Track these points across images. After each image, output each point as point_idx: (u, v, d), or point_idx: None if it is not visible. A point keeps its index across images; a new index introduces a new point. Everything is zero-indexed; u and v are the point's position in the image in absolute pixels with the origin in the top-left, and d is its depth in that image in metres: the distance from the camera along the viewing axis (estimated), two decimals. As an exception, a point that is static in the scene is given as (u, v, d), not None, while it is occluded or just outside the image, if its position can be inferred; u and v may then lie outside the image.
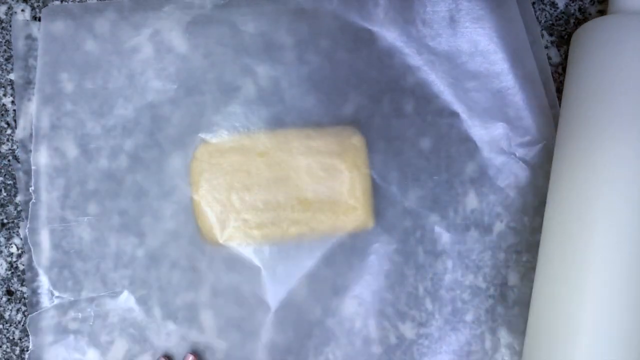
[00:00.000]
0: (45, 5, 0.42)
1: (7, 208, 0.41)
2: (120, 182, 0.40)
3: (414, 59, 0.41)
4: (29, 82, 0.41)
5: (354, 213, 0.40)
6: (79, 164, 0.40)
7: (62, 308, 0.40)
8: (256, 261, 0.40)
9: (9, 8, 0.42)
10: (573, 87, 0.37)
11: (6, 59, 0.42)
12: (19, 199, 0.41)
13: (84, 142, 0.40)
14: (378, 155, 0.41)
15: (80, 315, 0.40)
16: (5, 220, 0.41)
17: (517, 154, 0.41)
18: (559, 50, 0.42)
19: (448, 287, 0.41)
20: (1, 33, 0.42)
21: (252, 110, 0.41)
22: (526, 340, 0.37)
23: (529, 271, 0.41)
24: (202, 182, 0.40)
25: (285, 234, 0.40)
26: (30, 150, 0.40)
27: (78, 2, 0.42)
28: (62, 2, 0.42)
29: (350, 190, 0.40)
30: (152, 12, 0.41)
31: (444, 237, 0.41)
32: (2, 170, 0.41)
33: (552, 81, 0.41)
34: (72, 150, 0.40)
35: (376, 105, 0.41)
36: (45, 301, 0.40)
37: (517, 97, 0.41)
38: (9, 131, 0.41)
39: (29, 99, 0.41)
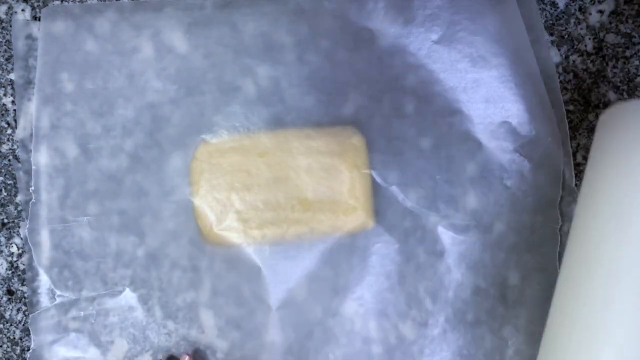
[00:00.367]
0: (45, 5, 0.42)
1: (8, 208, 0.41)
2: (120, 182, 0.40)
3: (415, 58, 0.41)
4: (29, 82, 0.41)
5: (354, 213, 0.40)
6: (79, 164, 0.40)
7: (63, 307, 0.40)
8: (256, 261, 0.40)
9: (9, 8, 0.42)
10: (597, 170, 0.35)
11: (6, 59, 0.42)
12: (19, 198, 0.41)
13: (84, 142, 0.40)
14: (378, 155, 0.41)
15: (80, 314, 0.40)
16: (5, 220, 0.41)
17: (518, 154, 0.41)
18: (559, 50, 0.42)
19: (448, 287, 0.41)
20: (1, 33, 0.42)
21: (252, 110, 0.41)
22: (541, 353, 0.35)
23: (529, 271, 0.41)
24: (202, 182, 0.40)
25: (285, 234, 0.40)
26: (31, 150, 0.40)
27: (78, 2, 0.42)
28: (62, 2, 0.42)
29: (351, 190, 0.40)
30: (152, 13, 0.41)
31: (445, 237, 0.41)
32: (3, 170, 0.41)
33: (556, 79, 0.41)
34: (72, 150, 0.40)
35: (376, 105, 0.41)
36: (45, 301, 0.40)
37: (518, 96, 0.41)
38: (9, 131, 0.41)
39: (29, 99, 0.41)
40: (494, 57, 0.41)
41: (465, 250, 0.41)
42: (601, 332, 0.32)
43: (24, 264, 0.41)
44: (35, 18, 0.42)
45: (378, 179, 0.41)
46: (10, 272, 0.41)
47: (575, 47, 0.42)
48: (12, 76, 0.42)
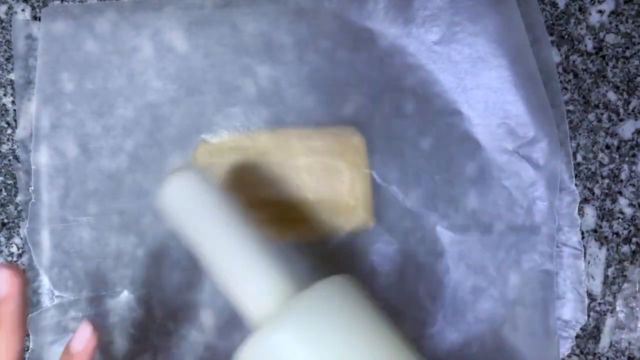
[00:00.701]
0: (45, 5, 0.42)
1: (8, 208, 0.41)
2: (120, 182, 0.40)
3: (415, 58, 0.41)
4: (29, 82, 0.41)
5: (354, 213, 0.40)
6: (79, 164, 0.40)
7: (63, 307, 0.40)
8: (256, 261, 0.40)
9: (9, 8, 0.42)
10: None
11: (6, 59, 0.42)
12: (19, 198, 0.41)
13: (84, 142, 0.40)
14: (378, 155, 0.41)
15: (80, 314, 0.40)
16: (5, 220, 0.41)
17: (518, 153, 0.41)
18: (559, 50, 0.42)
19: (448, 287, 0.41)
20: (1, 33, 0.42)
21: (252, 110, 0.41)
22: None
23: (529, 271, 0.41)
24: (202, 182, 0.40)
25: (285, 234, 0.40)
26: (31, 150, 0.40)
27: (78, 2, 0.42)
28: (62, 2, 0.42)
29: (350, 190, 0.40)
30: (152, 12, 0.41)
31: (445, 237, 0.41)
32: (3, 170, 0.41)
33: (556, 79, 0.41)
34: (72, 150, 0.40)
35: (376, 105, 0.41)
36: (45, 301, 0.40)
37: (517, 96, 0.41)
38: (9, 131, 0.41)
39: (29, 99, 0.41)
40: (493, 58, 0.41)
41: (465, 250, 0.41)
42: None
43: (24, 264, 0.41)
44: (35, 18, 0.42)
45: (378, 179, 0.41)
46: (10, 272, 0.41)
47: (575, 47, 0.42)
48: (12, 76, 0.42)
